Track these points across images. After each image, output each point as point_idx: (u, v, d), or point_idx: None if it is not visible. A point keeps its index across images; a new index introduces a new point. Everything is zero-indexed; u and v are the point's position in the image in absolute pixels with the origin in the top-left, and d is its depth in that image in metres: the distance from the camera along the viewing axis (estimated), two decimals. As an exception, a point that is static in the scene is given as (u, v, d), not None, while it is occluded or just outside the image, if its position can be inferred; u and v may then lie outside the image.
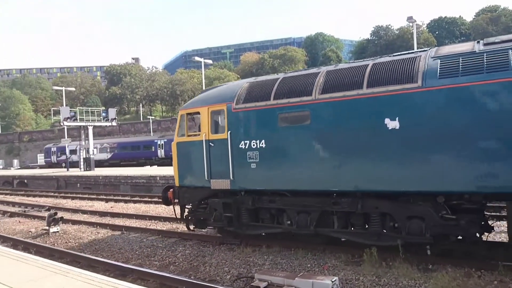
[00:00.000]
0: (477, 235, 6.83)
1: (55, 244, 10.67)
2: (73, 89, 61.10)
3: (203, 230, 10.15)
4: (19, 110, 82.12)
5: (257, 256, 8.15)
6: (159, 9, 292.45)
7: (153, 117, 64.26)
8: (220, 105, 9.00)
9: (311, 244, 8.52)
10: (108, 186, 24.44)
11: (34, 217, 14.84)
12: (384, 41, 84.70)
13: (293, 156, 7.90)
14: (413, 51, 7.92)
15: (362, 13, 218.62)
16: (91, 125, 30.69)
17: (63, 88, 39.35)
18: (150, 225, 12.12)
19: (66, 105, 36.96)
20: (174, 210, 9.98)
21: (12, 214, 15.97)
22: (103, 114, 30.89)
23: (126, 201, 18.35)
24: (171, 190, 9.88)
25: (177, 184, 9.71)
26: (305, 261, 7.71)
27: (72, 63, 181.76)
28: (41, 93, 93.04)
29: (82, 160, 31.59)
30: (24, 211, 16.56)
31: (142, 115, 77.12)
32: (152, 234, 10.84)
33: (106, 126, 33.48)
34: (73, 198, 21.00)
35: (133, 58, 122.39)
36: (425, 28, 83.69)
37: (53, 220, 11.66)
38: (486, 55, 6.29)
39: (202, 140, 9.09)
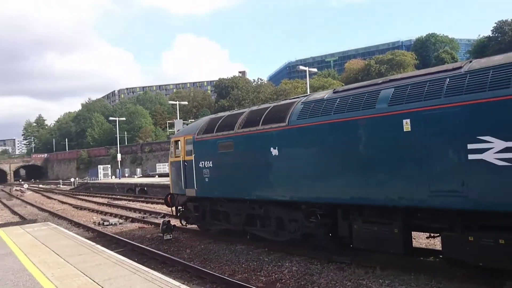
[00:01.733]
0: (330, 234, 8.83)
1: (168, 251, 11.12)
2: (186, 103, 65.76)
3: (192, 225, 13.39)
4: (142, 123, 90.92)
5: (371, 280, 7.38)
6: (263, 22, 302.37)
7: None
8: (190, 135, 12.29)
9: (433, 267, 7.51)
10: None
11: (151, 223, 15.86)
12: (509, 37, 75.26)
13: (226, 173, 10.88)
14: (298, 96, 10.56)
15: (481, 9, 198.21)
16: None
17: (177, 103, 42.42)
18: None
19: (180, 118, 39.79)
20: (172, 210, 13.78)
21: (133, 220, 17.33)
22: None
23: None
24: (170, 196, 13.40)
25: (171, 191, 13.35)
26: (428, 289, 6.73)
27: (186, 79, 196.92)
28: (160, 108, 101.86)
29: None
30: (143, 217, 17.87)
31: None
32: (257, 247, 10.66)
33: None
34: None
35: (240, 72, 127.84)
36: None
37: (167, 228, 12.23)
38: (325, 103, 8.60)
39: (180, 161, 12.49)
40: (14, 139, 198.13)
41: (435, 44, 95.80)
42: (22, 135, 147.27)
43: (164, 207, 22.67)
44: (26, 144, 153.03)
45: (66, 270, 6.36)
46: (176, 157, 12.90)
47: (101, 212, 20.88)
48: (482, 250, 6.19)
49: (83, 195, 35.96)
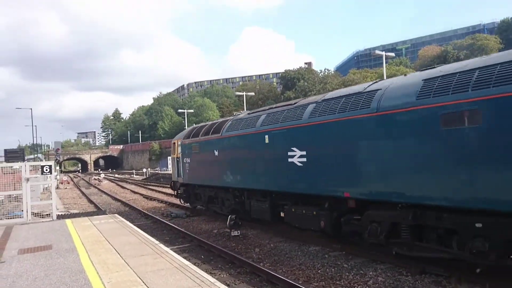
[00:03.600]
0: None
1: (236, 249, 10.41)
2: (253, 93, 65.63)
3: (187, 204, 18.11)
4: (209, 116, 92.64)
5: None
6: (330, 12, 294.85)
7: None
8: (180, 139, 17.44)
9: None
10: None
11: (217, 217, 15.30)
12: None
13: (196, 167, 15.65)
14: (234, 115, 15.39)
15: None
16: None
17: (244, 94, 42.15)
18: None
19: (246, 110, 39.42)
20: (174, 192, 19.15)
21: (199, 212, 16.94)
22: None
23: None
24: (172, 182, 18.95)
25: (172, 179, 19.06)
26: None
27: (252, 72, 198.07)
28: (226, 101, 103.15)
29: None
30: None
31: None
32: (333, 249, 9.56)
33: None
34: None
35: (305, 63, 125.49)
36: None
37: (234, 224, 11.54)
38: (239, 121, 12.97)
39: (175, 157, 18.02)
40: (95, 132, 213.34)
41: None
42: (101, 127, 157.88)
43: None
44: (104, 136, 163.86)
45: (124, 275, 5.77)
46: (173, 154, 18.55)
47: (169, 204, 20.90)
48: (297, 217, 10.22)
49: (154, 185, 36.96)
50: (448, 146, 6.40)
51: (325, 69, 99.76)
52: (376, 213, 8.03)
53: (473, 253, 6.28)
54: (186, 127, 67.38)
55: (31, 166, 11.27)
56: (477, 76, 6.21)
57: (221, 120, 15.22)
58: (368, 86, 8.51)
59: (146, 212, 17.77)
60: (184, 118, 62.19)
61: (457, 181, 6.26)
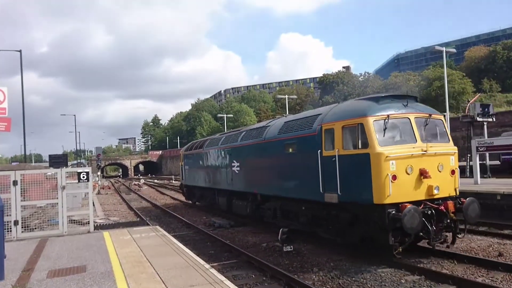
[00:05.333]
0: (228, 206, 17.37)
1: (290, 267, 9.15)
2: (295, 96, 64.60)
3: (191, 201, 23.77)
4: (247, 121, 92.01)
5: None
6: (369, 16, 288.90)
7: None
8: (182, 151, 24.72)
9: None
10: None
11: (264, 228, 14.08)
12: None
13: (192, 172, 21.84)
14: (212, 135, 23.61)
15: None
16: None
17: (286, 96, 40.92)
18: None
19: (284, 115, 38.24)
20: (182, 192, 25.52)
21: (243, 222, 15.76)
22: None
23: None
24: (181, 184, 25.27)
25: (180, 181, 25.49)
26: None
27: (288, 77, 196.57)
28: (264, 106, 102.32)
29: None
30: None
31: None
32: (409, 270, 8.08)
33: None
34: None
35: (343, 67, 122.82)
36: None
37: (287, 238, 10.27)
38: (214, 140, 19.18)
39: (180, 164, 24.63)
40: (135, 138, 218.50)
41: None
42: (141, 133, 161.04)
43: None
44: (144, 142, 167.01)
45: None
46: (180, 162, 25.06)
47: (210, 212, 19.88)
48: (237, 206, 15.78)
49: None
50: (288, 163, 11.46)
51: (365, 73, 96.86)
52: (269, 203, 13.21)
53: (301, 223, 11.36)
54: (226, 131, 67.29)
55: (67, 172, 10.49)
56: (298, 123, 11.48)
57: (207, 138, 22.37)
58: (265, 124, 14.38)
59: (187, 221, 16.82)
60: (223, 123, 61.68)
61: (293, 182, 11.33)
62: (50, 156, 31.82)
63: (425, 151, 8.60)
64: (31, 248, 8.79)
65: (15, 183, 9.66)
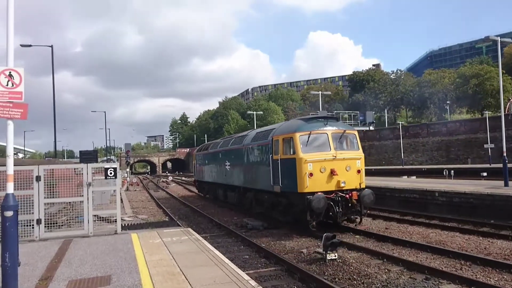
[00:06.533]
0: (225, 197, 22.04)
1: (336, 279, 8.12)
2: (329, 92, 63.24)
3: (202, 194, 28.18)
4: (274, 119, 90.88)
5: None
6: (399, 15, 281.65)
7: (402, 122, 58.84)
8: (194, 152, 33.04)
9: None
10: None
11: (301, 232, 13.04)
12: None
13: (202, 169, 26.54)
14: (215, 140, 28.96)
15: None
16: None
17: (320, 92, 39.46)
18: (462, 269, 8.21)
19: (311, 113, 36.93)
20: (196, 187, 31.21)
21: (277, 225, 14.72)
22: (360, 118, 28.67)
23: (398, 220, 14.98)
24: (194, 179, 31.16)
25: (194, 177, 31.81)
26: None
27: (316, 75, 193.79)
28: (292, 104, 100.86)
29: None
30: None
31: (387, 121, 72.72)
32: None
33: (363, 130, 31.16)
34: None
35: (373, 65, 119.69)
36: None
37: (331, 245, 9.21)
38: (215, 144, 24.36)
39: (193, 163, 31.12)
40: (163, 135, 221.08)
41: None
42: (169, 131, 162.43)
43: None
44: (172, 140, 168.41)
45: None
46: (194, 161, 30.44)
47: (240, 211, 18.92)
48: (230, 196, 20.25)
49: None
50: (256, 163, 15.56)
51: (397, 70, 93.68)
52: (248, 194, 17.09)
53: (265, 208, 15.41)
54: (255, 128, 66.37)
55: (93, 168, 9.76)
56: (262, 134, 15.67)
57: (210, 142, 27.84)
58: (246, 133, 18.63)
59: (218, 221, 15.98)
60: (251, 121, 60.86)
61: (259, 178, 15.16)
62: (80, 152, 31.88)
63: (335, 156, 12.06)
64: (53, 250, 8.07)
65: (38, 178, 8.99)
